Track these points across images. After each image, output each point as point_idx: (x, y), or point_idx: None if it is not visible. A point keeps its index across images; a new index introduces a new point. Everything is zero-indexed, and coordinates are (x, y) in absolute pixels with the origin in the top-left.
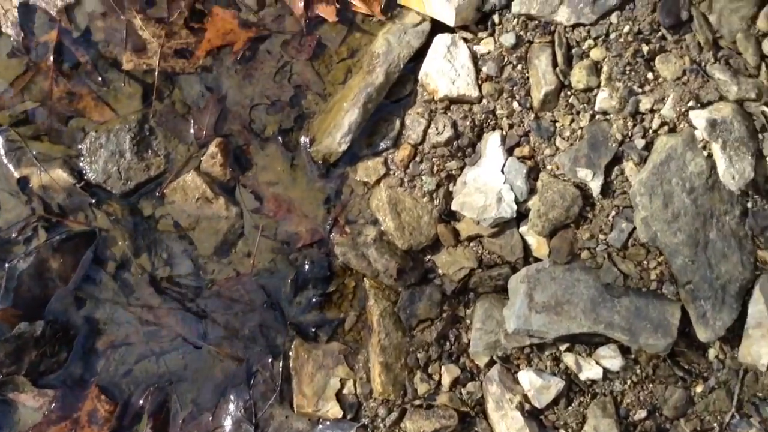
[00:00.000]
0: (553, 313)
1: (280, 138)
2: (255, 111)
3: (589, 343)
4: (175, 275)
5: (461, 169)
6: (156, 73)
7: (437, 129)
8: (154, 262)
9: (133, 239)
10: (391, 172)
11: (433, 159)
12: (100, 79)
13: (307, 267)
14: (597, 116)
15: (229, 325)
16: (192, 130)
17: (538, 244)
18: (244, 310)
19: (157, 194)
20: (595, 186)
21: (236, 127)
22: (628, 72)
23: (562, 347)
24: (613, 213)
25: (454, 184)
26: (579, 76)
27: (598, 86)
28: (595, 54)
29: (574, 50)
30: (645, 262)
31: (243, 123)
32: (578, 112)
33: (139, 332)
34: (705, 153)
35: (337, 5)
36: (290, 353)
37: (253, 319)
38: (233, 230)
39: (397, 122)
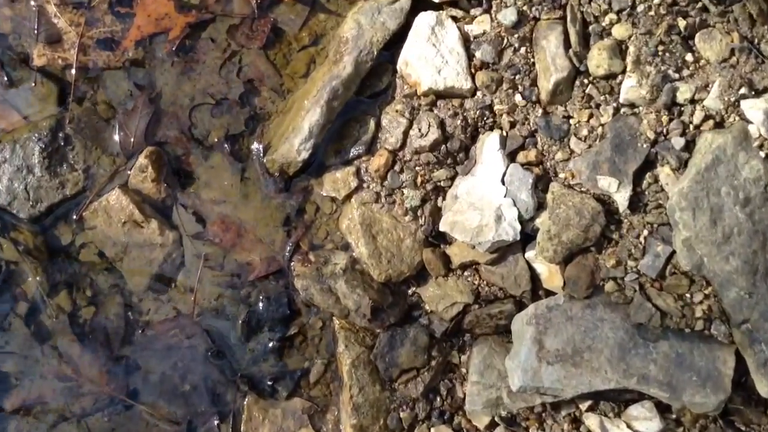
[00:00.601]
0: (569, 365)
1: (227, 145)
2: (196, 113)
3: (618, 400)
4: (101, 317)
5: (451, 179)
6: (74, 69)
7: (420, 130)
8: (75, 302)
9: (48, 274)
10: (365, 185)
11: (417, 168)
12: (5, 78)
13: (261, 305)
14: (622, 110)
15: (166, 378)
16: (117, 138)
17: (549, 274)
18: (184, 360)
19: (75, 218)
20: (621, 198)
21: (173, 132)
22: (661, 53)
23: (583, 405)
24: (645, 233)
25: (443, 199)
26: (598, 60)
27: (624, 72)
28: (619, 32)
29: (591, 27)
30: (688, 296)
31: (181, 128)
32: (598, 105)
33: (56, 389)
34: (762, 153)
35: None
36: (242, 413)
37: (195, 370)
38: (170, 261)
39: (372, 123)
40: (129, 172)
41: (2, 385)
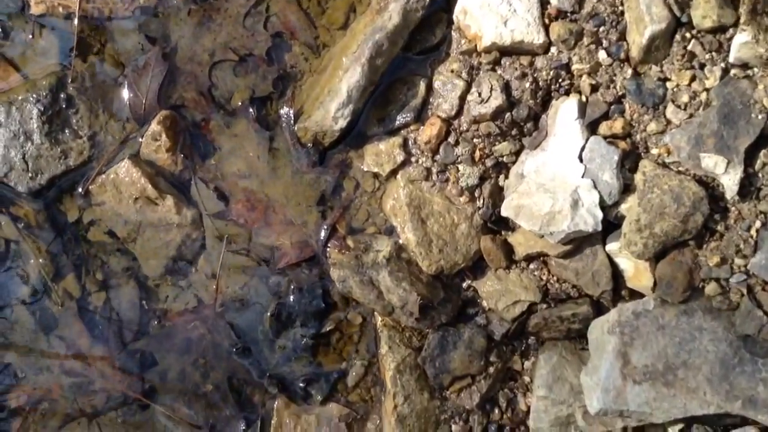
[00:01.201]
0: (660, 384)
1: (252, 110)
2: (217, 71)
3: (716, 424)
4: (113, 305)
5: (516, 154)
6: (76, 18)
7: (480, 95)
8: (84, 286)
9: (53, 255)
10: (413, 160)
11: (475, 140)
12: None
13: (293, 296)
14: (733, 72)
15: (186, 376)
16: (127, 100)
17: (635, 271)
18: (206, 356)
19: (80, 192)
20: (729, 182)
21: (190, 94)
22: None
23: (673, 429)
24: (758, 225)
25: (506, 177)
26: (705, 9)
27: (736, 24)
28: None
29: None
30: None
31: (200, 88)
32: (703, 66)
33: (63, 385)
34: None
35: None
36: (271, 418)
37: (218, 368)
38: (189, 243)
39: (422, 85)
40: (141, 140)
41: (5, 380)
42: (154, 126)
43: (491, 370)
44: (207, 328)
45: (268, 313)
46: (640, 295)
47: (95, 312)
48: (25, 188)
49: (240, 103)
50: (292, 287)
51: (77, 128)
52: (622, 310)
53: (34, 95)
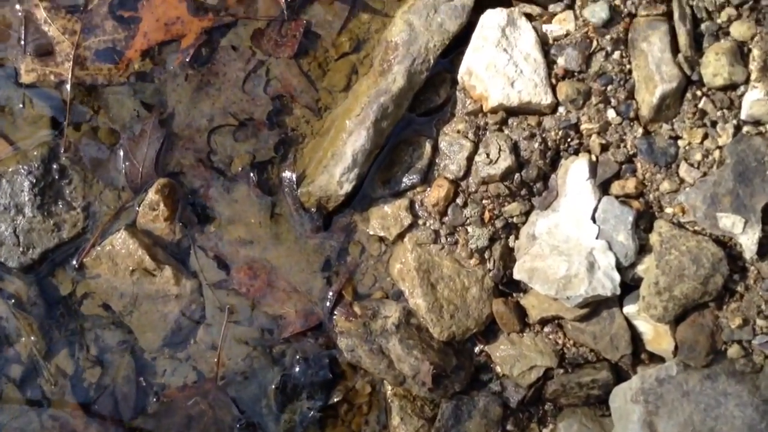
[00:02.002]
0: None
1: (253, 175)
2: (216, 136)
3: None
4: (108, 381)
5: (526, 214)
6: (69, 86)
7: (489, 155)
8: (77, 362)
9: (45, 331)
10: (421, 222)
11: (484, 201)
12: None
13: (298, 367)
14: (745, 129)
15: None
16: (122, 169)
17: (655, 334)
18: None
19: (74, 265)
20: (747, 241)
21: (188, 161)
22: None
23: None
24: None
25: (516, 238)
26: (716, 67)
27: (747, 81)
28: (740, 31)
29: (704, 26)
30: None
31: (198, 155)
32: (715, 123)
33: None
34: None
35: None
36: None
37: None
38: (188, 314)
39: (428, 146)
40: (137, 210)
41: None
42: (152, 195)
43: None
44: (208, 403)
45: (273, 386)
46: (661, 359)
47: (90, 389)
48: (16, 263)
49: (240, 169)
50: (298, 357)
51: (71, 199)
52: (645, 377)
53: (26, 167)
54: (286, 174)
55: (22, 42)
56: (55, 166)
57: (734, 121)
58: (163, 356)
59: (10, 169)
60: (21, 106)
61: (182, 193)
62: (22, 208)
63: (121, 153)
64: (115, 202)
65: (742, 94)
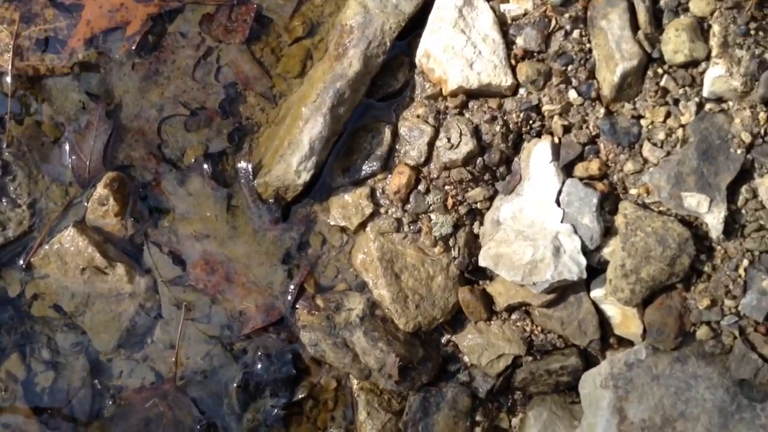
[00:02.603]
0: None
1: (207, 166)
2: (167, 126)
3: None
4: (62, 384)
5: (490, 200)
6: (9, 78)
7: (450, 140)
8: (29, 366)
9: None
10: (382, 211)
11: (446, 187)
12: None
13: (260, 364)
14: (708, 106)
15: None
16: (69, 163)
17: (623, 318)
18: None
19: (22, 265)
20: (713, 220)
21: (138, 153)
22: (753, 32)
23: None
24: (746, 263)
25: (481, 224)
26: (676, 44)
27: (708, 58)
28: (699, 6)
29: (664, 1)
30: None
31: (149, 146)
32: (677, 101)
33: None
34: None
35: None
36: None
37: None
38: (144, 313)
39: (387, 132)
40: (86, 205)
41: None
42: (100, 189)
43: (477, 430)
44: (167, 404)
45: (234, 384)
46: (630, 343)
47: (43, 394)
48: None
49: (193, 160)
50: (260, 354)
51: (15, 196)
52: (614, 362)
53: None
54: (242, 164)
55: None
56: None
57: (696, 99)
58: (119, 357)
59: None
60: None
61: (133, 187)
62: None
63: (68, 147)
64: (63, 198)
65: (704, 71)
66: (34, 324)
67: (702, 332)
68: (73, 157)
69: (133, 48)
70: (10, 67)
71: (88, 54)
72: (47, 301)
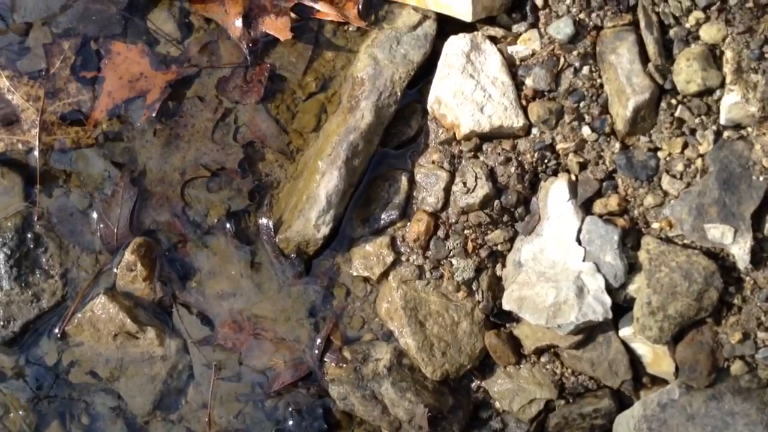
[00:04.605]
0: None
1: (230, 226)
2: (189, 189)
3: None
4: None
5: (510, 241)
6: (37, 152)
7: (466, 184)
8: None
9: (34, 404)
10: (404, 258)
11: (465, 231)
12: None
13: (292, 420)
14: (726, 134)
15: None
16: (98, 231)
17: (654, 356)
18: None
19: (57, 334)
20: (739, 251)
21: (163, 217)
22: None
23: None
24: None
25: (503, 266)
26: (688, 74)
27: (722, 85)
28: (709, 33)
29: (673, 31)
30: None
31: (173, 210)
32: (694, 131)
33: None
34: None
35: (292, 15)
36: None
37: None
38: (176, 375)
39: (403, 180)
40: (115, 272)
41: None
42: (128, 256)
43: None
44: None
45: None
46: (663, 381)
47: None
48: None
49: (216, 220)
50: (291, 410)
51: (48, 267)
52: (647, 403)
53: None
54: (263, 221)
55: None
56: (29, 235)
57: (714, 127)
58: (155, 419)
59: None
60: None
61: (160, 251)
62: None
63: (95, 215)
64: (93, 267)
65: (719, 99)
66: (72, 391)
67: (736, 367)
68: (101, 226)
69: (154, 115)
70: (37, 142)
71: (111, 124)
72: (83, 367)
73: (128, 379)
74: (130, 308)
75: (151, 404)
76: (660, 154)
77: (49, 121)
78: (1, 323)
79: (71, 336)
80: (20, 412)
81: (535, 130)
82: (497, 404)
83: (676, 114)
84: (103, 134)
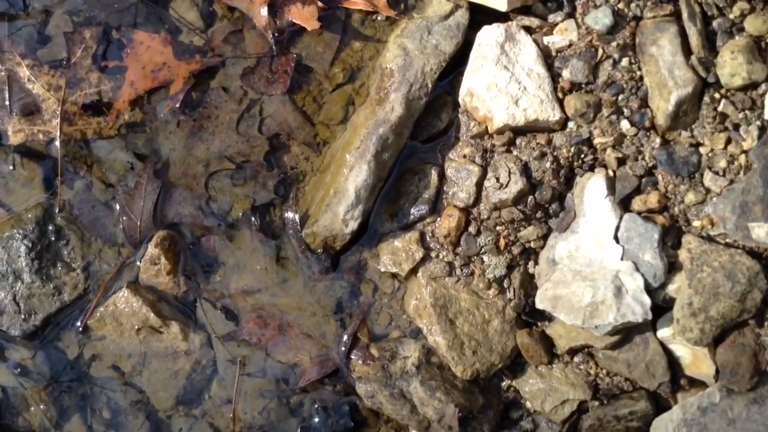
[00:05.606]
0: None
1: (255, 219)
2: (214, 182)
3: None
4: None
5: (544, 238)
6: (59, 143)
7: (498, 179)
8: (91, 427)
9: (55, 397)
10: (433, 255)
11: (497, 227)
12: None
13: (317, 417)
14: None
15: None
16: (121, 224)
17: (693, 358)
18: None
19: (79, 327)
20: None
21: (187, 210)
22: None
23: None
24: None
25: (536, 264)
26: (733, 67)
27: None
28: (755, 25)
29: (716, 23)
30: None
31: (197, 203)
32: (737, 127)
33: None
34: None
35: (319, 3)
36: None
37: None
38: (200, 370)
39: (434, 174)
40: (138, 265)
41: None
42: (152, 249)
43: None
44: None
45: None
46: (702, 384)
47: None
48: (19, 331)
49: (241, 214)
50: (316, 407)
51: (69, 260)
52: (686, 407)
53: (20, 230)
54: (289, 215)
55: (7, 102)
56: (50, 228)
57: (758, 123)
58: (178, 414)
59: (5, 234)
60: (11, 168)
61: (183, 244)
62: (20, 274)
63: (118, 207)
64: (116, 260)
65: (764, 93)
66: (93, 385)
67: None
68: (124, 218)
69: (177, 106)
70: (59, 132)
71: (134, 114)
72: (105, 361)
73: (151, 373)
74: (153, 302)
75: (174, 399)
76: (702, 149)
77: (70, 111)
78: (23, 316)
79: (93, 330)
80: (41, 406)
81: (571, 124)
82: (528, 404)
83: (720, 108)
84: (126, 125)
